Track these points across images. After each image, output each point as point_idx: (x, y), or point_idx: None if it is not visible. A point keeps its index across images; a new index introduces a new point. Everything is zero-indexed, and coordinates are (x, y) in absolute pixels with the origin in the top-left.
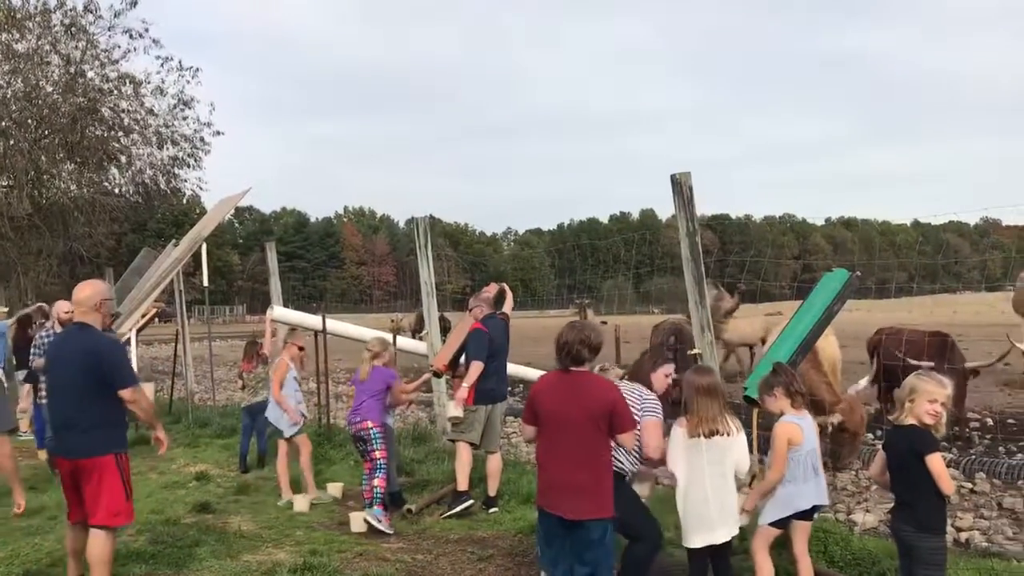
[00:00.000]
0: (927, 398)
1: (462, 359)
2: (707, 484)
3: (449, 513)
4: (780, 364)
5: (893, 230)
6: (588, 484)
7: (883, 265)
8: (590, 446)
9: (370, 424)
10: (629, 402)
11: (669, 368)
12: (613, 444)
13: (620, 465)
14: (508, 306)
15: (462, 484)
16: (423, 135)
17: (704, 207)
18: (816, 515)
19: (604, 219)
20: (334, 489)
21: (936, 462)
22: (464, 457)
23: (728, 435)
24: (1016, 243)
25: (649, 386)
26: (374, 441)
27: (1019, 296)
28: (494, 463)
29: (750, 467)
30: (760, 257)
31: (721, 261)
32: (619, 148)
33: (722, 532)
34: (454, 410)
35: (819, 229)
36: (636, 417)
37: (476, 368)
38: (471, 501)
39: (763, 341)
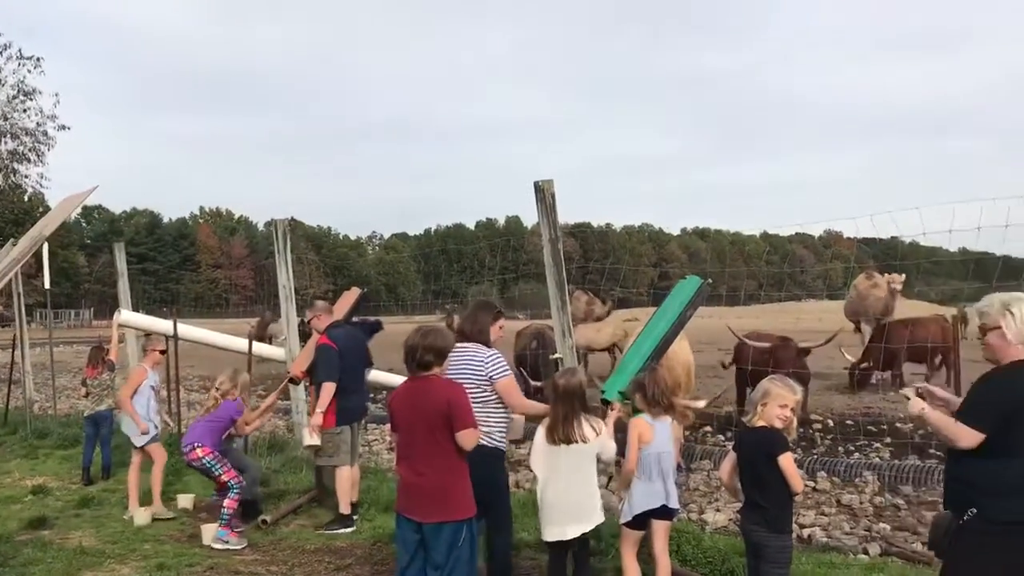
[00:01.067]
0: (778, 402)
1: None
2: (562, 484)
3: (330, 533)
4: (648, 371)
5: (744, 240)
6: (438, 487)
7: (734, 273)
8: (437, 449)
9: (200, 453)
10: (474, 369)
11: (503, 320)
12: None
13: (496, 443)
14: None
15: (344, 507)
16: (284, 135)
17: (567, 215)
18: (675, 518)
19: (471, 225)
20: (185, 500)
21: (787, 462)
22: (344, 478)
23: (584, 441)
24: (855, 254)
25: (488, 340)
26: (213, 468)
27: (850, 304)
28: (354, 474)
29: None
30: (619, 264)
31: (583, 268)
32: (486, 153)
33: (573, 529)
34: (310, 439)
35: (675, 238)
36: (486, 389)
37: (328, 390)
38: (354, 528)
39: (617, 347)
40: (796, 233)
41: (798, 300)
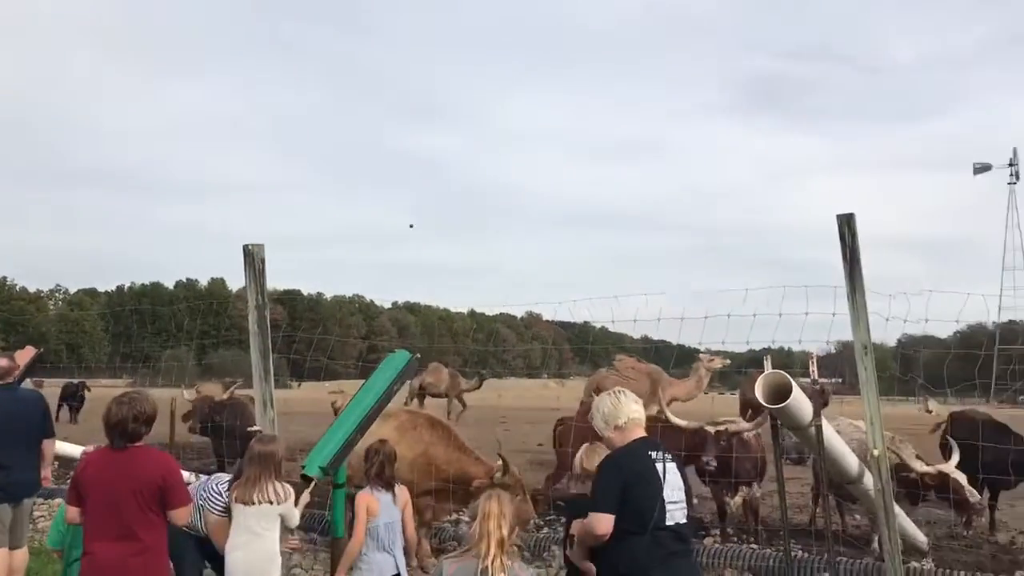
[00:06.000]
0: None
1: None
2: (242, 545)
3: None
4: (368, 449)
5: (452, 317)
6: (139, 565)
7: (441, 349)
8: (144, 525)
9: None
10: None
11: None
12: None
13: None
14: None
15: None
16: None
17: (277, 281)
18: None
19: (170, 284)
20: None
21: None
22: None
23: (272, 503)
24: (553, 336)
25: None
26: None
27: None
28: (19, 558)
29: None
30: (328, 335)
31: (290, 336)
32: (192, 212)
33: None
34: None
35: (386, 312)
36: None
37: None
38: None
39: None
40: (500, 313)
41: (500, 378)
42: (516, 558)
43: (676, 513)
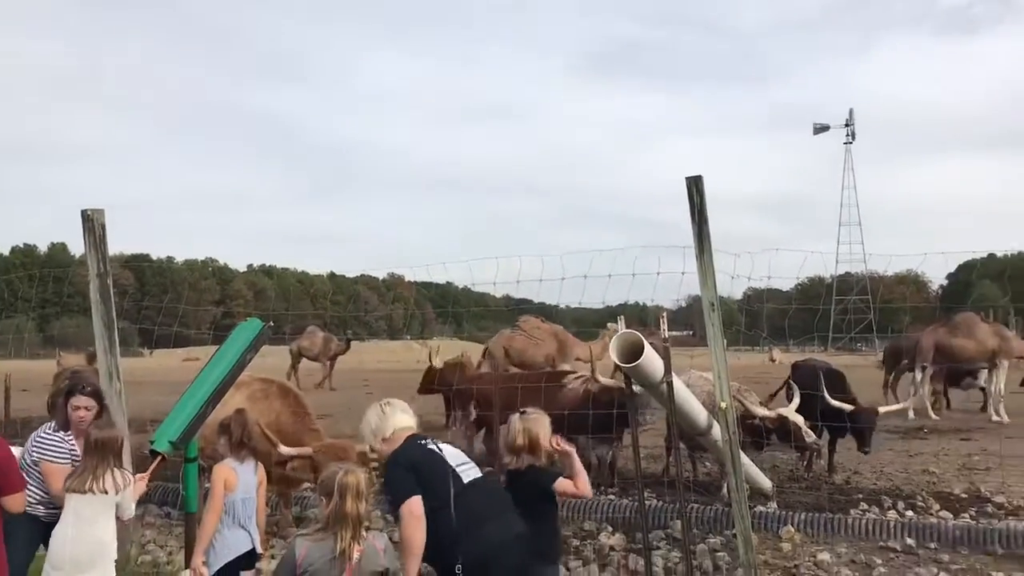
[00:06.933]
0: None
1: None
2: (71, 537)
3: None
4: (229, 418)
5: (311, 280)
6: None
7: (300, 314)
8: None
9: None
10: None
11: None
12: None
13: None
14: None
15: None
16: None
17: (124, 246)
18: (256, 564)
19: (5, 251)
20: None
21: (563, 483)
22: None
23: (107, 493)
24: (415, 297)
25: None
26: None
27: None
28: None
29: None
30: (179, 302)
31: (138, 303)
32: (28, 174)
33: None
34: None
35: (241, 275)
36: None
37: None
38: None
39: None
40: (362, 275)
41: (362, 340)
42: (375, 525)
43: (469, 472)
